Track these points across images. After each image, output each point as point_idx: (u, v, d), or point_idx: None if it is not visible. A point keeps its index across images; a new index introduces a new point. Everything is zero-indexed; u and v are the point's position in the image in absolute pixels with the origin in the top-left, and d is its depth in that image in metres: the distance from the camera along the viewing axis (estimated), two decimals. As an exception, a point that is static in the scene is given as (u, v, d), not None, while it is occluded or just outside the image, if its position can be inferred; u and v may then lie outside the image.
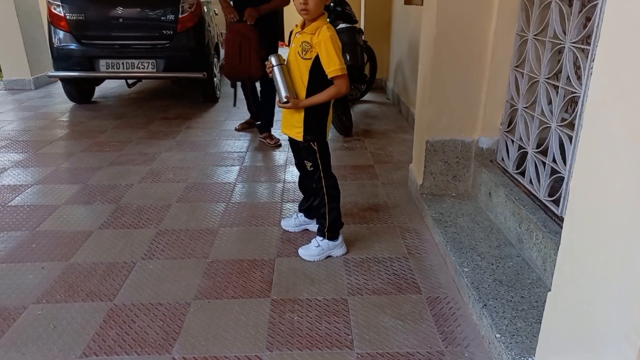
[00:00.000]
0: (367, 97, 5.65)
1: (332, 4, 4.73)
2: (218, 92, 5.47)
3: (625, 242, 1.07)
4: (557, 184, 2.06)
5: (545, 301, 1.38)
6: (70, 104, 5.20)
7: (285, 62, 2.15)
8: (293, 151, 2.42)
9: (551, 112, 2.09)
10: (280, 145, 3.92)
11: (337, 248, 2.33)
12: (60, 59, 4.78)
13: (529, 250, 2.06)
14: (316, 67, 2.07)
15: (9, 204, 2.87)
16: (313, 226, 2.51)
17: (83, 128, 4.40)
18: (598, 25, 1.70)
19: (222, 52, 5.82)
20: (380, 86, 6.15)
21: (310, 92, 2.11)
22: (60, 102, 5.31)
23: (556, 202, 2.02)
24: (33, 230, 2.56)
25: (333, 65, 2.03)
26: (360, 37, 4.52)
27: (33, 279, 2.15)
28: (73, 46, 4.70)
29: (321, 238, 2.32)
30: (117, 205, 2.86)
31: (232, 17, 3.61)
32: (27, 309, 1.94)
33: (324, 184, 2.26)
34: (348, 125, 4.28)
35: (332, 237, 2.32)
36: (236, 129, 4.39)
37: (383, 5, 5.87)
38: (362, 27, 5.98)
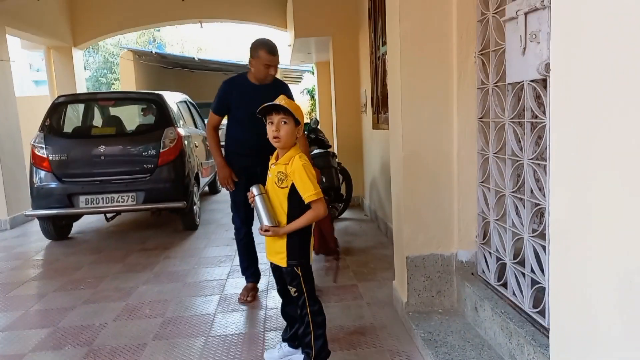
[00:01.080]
0: (345, 214, 5.77)
1: (305, 132, 5.06)
2: (198, 220, 5.51)
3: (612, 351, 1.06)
4: (540, 294, 2.06)
5: None
6: (47, 241, 5.13)
7: (265, 192, 2.23)
8: (275, 278, 2.38)
9: (522, 223, 2.16)
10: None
11: None
12: (40, 197, 4.82)
13: (524, 367, 1.97)
14: (293, 194, 2.15)
15: (-30, 356, 2.66)
16: (298, 356, 2.38)
17: (58, 266, 4.29)
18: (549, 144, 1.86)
19: (202, 180, 5.99)
20: (358, 203, 6.32)
21: (291, 217, 2.16)
22: (35, 240, 5.23)
23: (542, 313, 1.99)
24: (-6, 385, 2.35)
25: (308, 191, 2.11)
26: (334, 160, 4.77)
27: None
28: (53, 184, 4.78)
29: None
30: (89, 348, 2.68)
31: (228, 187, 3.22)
32: None
33: (308, 311, 2.20)
34: (332, 246, 4.30)
35: None
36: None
37: (353, 130, 6.30)
38: (335, 150, 6.33)
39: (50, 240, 5.15)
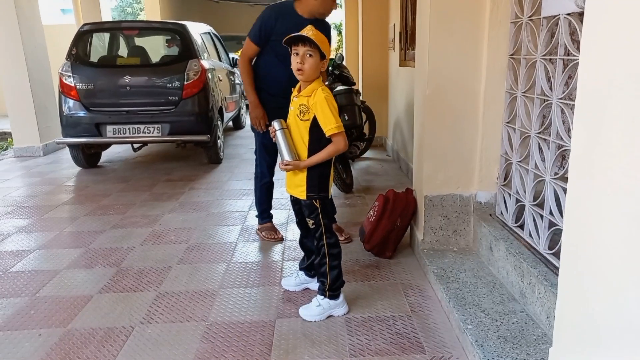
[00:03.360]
0: (367, 154, 5.75)
1: (330, 68, 4.95)
2: (222, 154, 5.59)
3: (621, 291, 1.07)
4: (557, 237, 2.06)
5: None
6: (77, 169, 5.32)
7: (287, 126, 2.23)
8: (294, 210, 2.44)
9: (545, 165, 2.12)
10: (282, 239, 3.26)
11: (338, 307, 2.30)
12: (69, 126, 4.95)
13: (533, 305, 2.02)
14: (315, 127, 2.15)
15: (11, 269, 2.87)
16: (314, 284, 2.48)
17: (88, 192, 4.48)
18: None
19: (225, 115, 6.01)
20: (380, 144, 6.28)
21: (312, 151, 2.18)
22: (67, 167, 5.43)
23: (557, 255, 2.00)
24: (32, 297, 2.54)
25: (329, 124, 2.10)
26: (357, 98, 4.67)
27: (29, 347, 2.11)
28: (82, 113, 4.89)
29: (322, 297, 2.29)
30: (118, 268, 2.85)
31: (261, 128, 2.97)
32: (21, 379, 1.89)
33: (325, 242, 2.26)
34: (349, 183, 4.33)
35: (333, 296, 2.29)
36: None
37: (380, 67, 6.12)
38: (360, 88, 6.19)
39: (80, 168, 5.34)
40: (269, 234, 3.27)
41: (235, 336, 2.15)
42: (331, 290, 2.28)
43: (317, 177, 2.21)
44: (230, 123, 7.55)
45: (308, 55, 2.11)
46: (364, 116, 5.14)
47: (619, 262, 1.08)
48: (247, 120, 8.40)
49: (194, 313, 2.34)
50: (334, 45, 12.65)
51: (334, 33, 12.89)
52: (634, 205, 1.03)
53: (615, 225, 1.09)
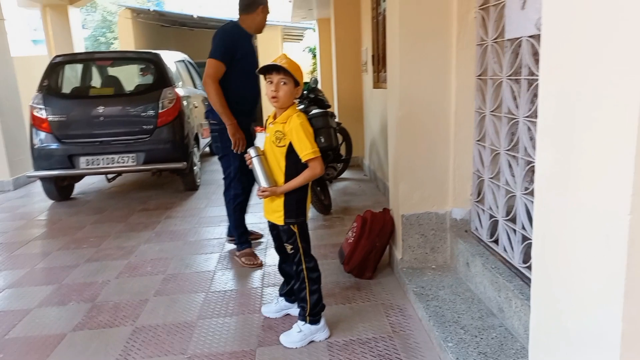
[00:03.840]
0: (345, 174, 5.78)
1: (305, 92, 5.01)
2: (198, 181, 5.55)
3: (591, 303, 1.09)
4: (529, 250, 2.09)
5: (526, 374, 1.35)
6: (50, 202, 5.20)
7: (262, 153, 2.24)
8: (273, 236, 2.43)
9: (515, 181, 2.17)
10: (261, 265, 3.22)
11: (319, 332, 2.27)
12: (41, 158, 4.85)
13: (510, 319, 2.04)
14: (291, 153, 2.16)
15: (-21, 310, 2.76)
16: (294, 310, 2.45)
17: (61, 225, 4.37)
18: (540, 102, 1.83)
19: (201, 141, 5.99)
20: (357, 164, 6.33)
21: (289, 176, 2.18)
22: (39, 200, 5.30)
23: (530, 268, 2.02)
24: (1, 339, 2.44)
25: (305, 150, 2.12)
26: (333, 120, 4.72)
27: (-2, 391, 2.02)
28: (54, 146, 4.80)
29: (303, 322, 2.27)
30: (93, 303, 2.77)
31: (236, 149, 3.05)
32: None
33: (304, 267, 2.25)
34: (327, 204, 4.35)
35: (314, 320, 2.27)
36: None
37: (354, 90, 6.22)
38: (335, 110, 6.27)
39: (53, 201, 5.22)
40: (249, 259, 3.23)
41: (215, 368, 2.10)
42: (312, 315, 2.26)
43: (294, 202, 2.21)
44: (207, 149, 7.52)
45: (282, 83, 2.13)
46: (340, 138, 5.20)
47: (588, 274, 1.11)
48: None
49: (172, 346, 2.29)
50: (309, 67, 12.80)
51: (308, 56, 13.06)
52: (598, 218, 1.06)
53: (582, 238, 1.12)
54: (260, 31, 3.16)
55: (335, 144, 4.83)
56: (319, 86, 5.67)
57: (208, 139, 6.79)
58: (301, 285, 2.27)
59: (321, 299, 2.30)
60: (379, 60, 4.98)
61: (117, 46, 19.57)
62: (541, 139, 1.28)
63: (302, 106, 4.99)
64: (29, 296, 2.92)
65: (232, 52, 2.98)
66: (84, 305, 2.75)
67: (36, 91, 4.95)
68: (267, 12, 3.13)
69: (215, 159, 7.66)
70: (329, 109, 4.92)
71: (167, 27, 12.27)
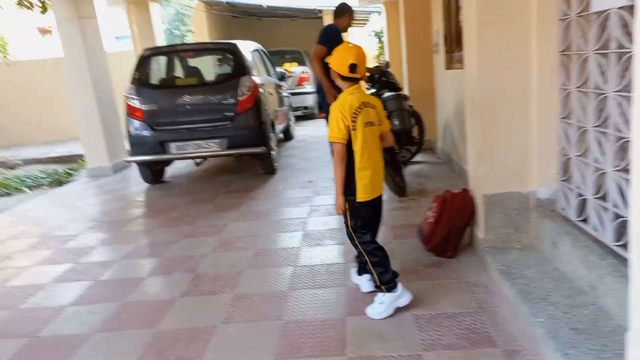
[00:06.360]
0: (418, 158, 5.80)
1: (376, 75, 5.07)
2: (276, 164, 5.81)
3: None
4: (623, 229, 2.07)
5: (624, 343, 1.39)
6: (145, 185, 5.68)
7: None
8: None
9: (605, 159, 2.15)
10: None
11: (400, 298, 2.39)
12: (136, 145, 5.31)
13: (604, 297, 2.04)
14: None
15: (100, 278, 3.16)
16: (364, 283, 2.62)
17: (157, 206, 4.80)
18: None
19: (277, 127, 6.24)
20: (430, 147, 6.30)
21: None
22: (135, 184, 5.81)
23: (625, 247, 2.02)
24: (122, 302, 2.80)
25: (329, 132, 2.36)
26: (405, 102, 4.76)
27: (127, 345, 2.34)
28: (147, 133, 5.23)
29: (382, 293, 2.40)
30: (195, 274, 3.08)
31: None
32: (125, 373, 2.12)
33: (357, 242, 2.45)
34: (402, 186, 4.41)
35: (389, 288, 2.38)
36: None
37: (425, 72, 6.17)
38: (406, 93, 6.26)
39: (147, 184, 5.70)
40: None
41: (310, 333, 2.30)
42: (384, 284, 2.38)
43: (346, 182, 2.38)
44: (281, 135, 7.80)
45: None
46: (412, 121, 5.22)
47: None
48: (296, 132, 8.64)
49: (270, 313, 2.51)
50: (374, 52, 12.71)
51: (374, 40, 12.96)
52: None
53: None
54: (346, 30, 4.71)
55: (409, 126, 4.87)
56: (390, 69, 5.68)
57: (282, 125, 7.05)
58: (362, 258, 2.47)
59: (388, 269, 2.41)
60: (452, 41, 4.92)
61: (190, 38, 20.48)
62: (637, 113, 1.30)
63: (373, 90, 5.07)
64: (139, 267, 3.30)
65: (330, 41, 4.09)
66: (187, 275, 3.06)
67: (130, 83, 5.40)
68: (352, 18, 4.63)
69: (289, 144, 7.95)
70: (400, 91, 4.95)
71: (238, 17, 12.69)
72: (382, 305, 2.39)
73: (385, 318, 2.36)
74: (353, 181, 2.37)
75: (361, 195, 2.37)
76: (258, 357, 2.14)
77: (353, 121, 2.30)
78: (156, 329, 2.46)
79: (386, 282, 2.38)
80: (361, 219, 2.42)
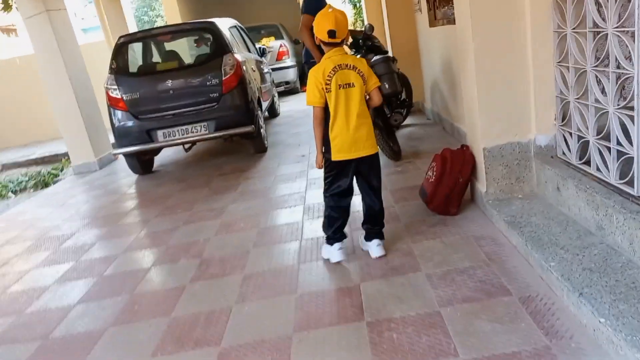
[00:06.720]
0: (407, 120, 5.76)
1: (360, 40, 4.97)
2: (266, 142, 5.74)
3: None
4: (625, 167, 2.07)
5: (646, 276, 1.40)
6: (134, 176, 5.58)
7: None
8: None
9: (606, 98, 2.13)
10: None
11: (332, 254, 2.65)
12: (122, 136, 5.18)
13: (612, 235, 2.06)
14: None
15: (104, 274, 3.11)
16: (375, 248, 2.64)
17: (151, 196, 4.73)
18: (638, 7, 1.77)
19: (263, 104, 6.14)
20: (418, 108, 6.26)
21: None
22: (124, 176, 5.71)
23: (630, 184, 2.02)
24: (132, 294, 2.76)
25: (306, 97, 2.47)
26: (394, 65, 4.68)
27: (143, 336, 2.32)
28: (132, 123, 5.11)
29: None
30: (201, 259, 3.05)
31: None
32: (146, 362, 2.10)
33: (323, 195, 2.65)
34: (397, 150, 4.39)
35: (327, 240, 2.68)
36: None
37: (407, 32, 6.07)
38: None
39: (137, 175, 5.60)
40: None
41: (326, 303, 2.30)
42: (324, 233, 2.69)
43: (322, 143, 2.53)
44: (266, 112, 7.69)
45: None
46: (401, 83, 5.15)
47: None
48: (281, 108, 8.53)
49: (283, 288, 2.50)
50: (350, 19, 12.47)
51: (348, 8, 12.71)
52: None
53: None
54: None
55: (399, 89, 4.81)
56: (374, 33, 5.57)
57: (267, 102, 6.94)
58: (366, 225, 2.70)
59: (330, 228, 2.63)
60: (434, -2, 4.82)
61: (160, 23, 19.95)
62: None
63: (358, 55, 4.98)
64: (143, 258, 3.26)
65: (315, 9, 3.65)
66: (194, 261, 3.03)
67: (108, 73, 5.24)
68: None
69: (275, 120, 7.85)
70: (387, 54, 4.87)
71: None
72: (323, 247, 2.73)
73: (401, 282, 2.35)
74: (327, 140, 2.47)
75: (335, 155, 2.46)
76: (279, 331, 2.14)
77: (327, 84, 2.37)
78: (171, 316, 2.44)
79: (325, 233, 2.67)
80: (332, 176, 2.54)
